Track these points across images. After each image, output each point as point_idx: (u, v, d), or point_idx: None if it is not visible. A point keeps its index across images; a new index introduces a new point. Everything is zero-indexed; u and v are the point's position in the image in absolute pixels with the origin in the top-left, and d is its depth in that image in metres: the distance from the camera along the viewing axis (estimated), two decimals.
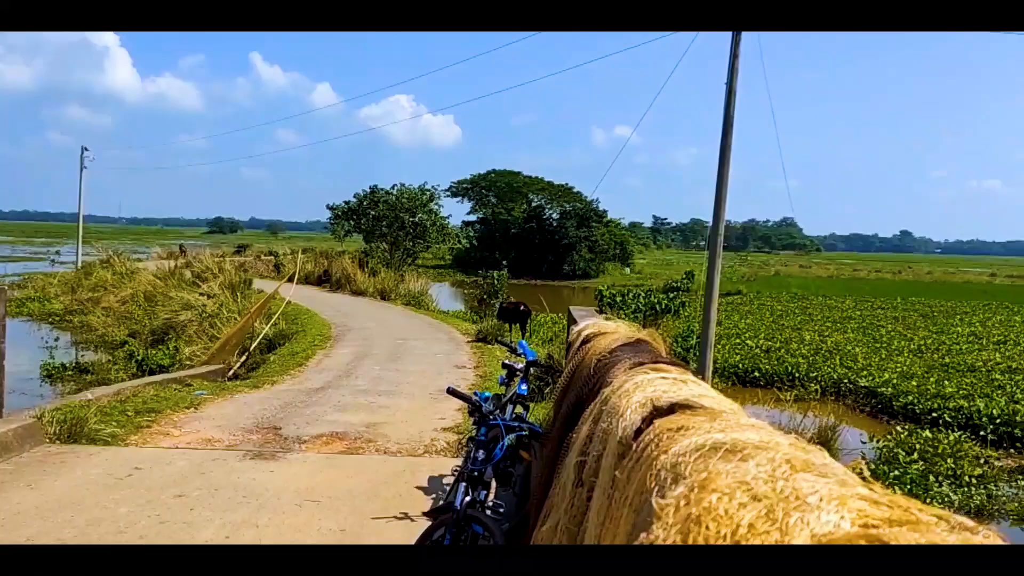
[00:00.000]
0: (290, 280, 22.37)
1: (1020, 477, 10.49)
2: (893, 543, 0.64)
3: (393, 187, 42.09)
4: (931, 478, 9.87)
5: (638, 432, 1.33)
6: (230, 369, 13.46)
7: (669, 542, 0.73)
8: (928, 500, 8.97)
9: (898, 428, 12.50)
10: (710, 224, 14.13)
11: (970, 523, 0.77)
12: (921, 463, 10.49)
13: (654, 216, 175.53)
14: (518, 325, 19.52)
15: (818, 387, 15.38)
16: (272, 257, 40.96)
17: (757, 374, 16.65)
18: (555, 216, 64.81)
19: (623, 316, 24.58)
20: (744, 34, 12.64)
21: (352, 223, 42.77)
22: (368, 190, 42.34)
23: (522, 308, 19.55)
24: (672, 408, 1.35)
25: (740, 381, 16.62)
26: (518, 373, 5.45)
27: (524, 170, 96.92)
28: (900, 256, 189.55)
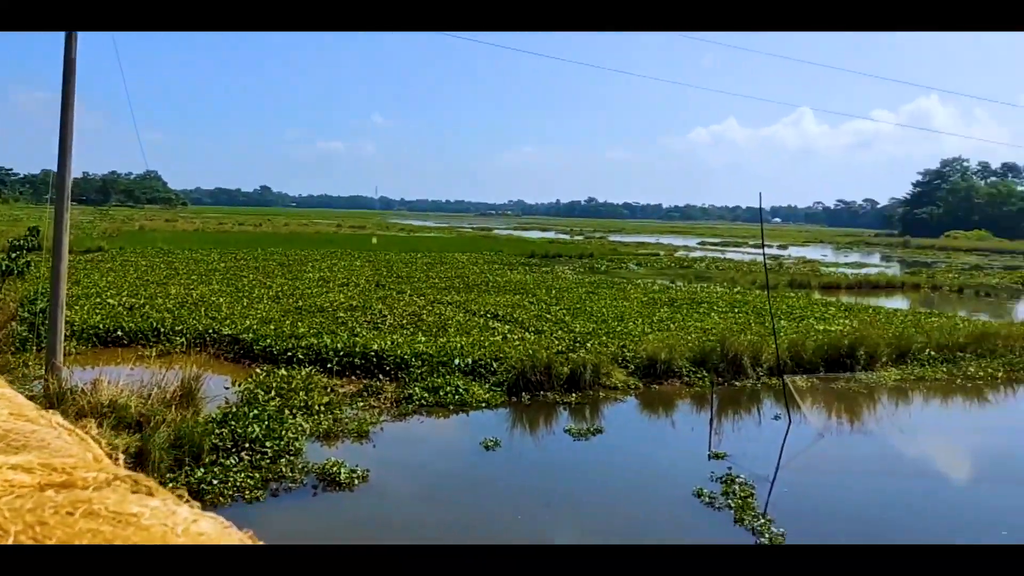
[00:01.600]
0: None
1: (359, 400, 12.09)
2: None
3: None
4: (287, 412, 10.69)
5: None
6: None
7: None
8: (284, 431, 9.71)
9: (258, 370, 13.21)
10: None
11: (128, 473, 0.70)
12: (278, 399, 11.27)
13: None
14: None
15: (184, 340, 15.22)
16: None
17: (120, 333, 15.66)
18: None
19: None
20: None
21: None
22: None
23: None
24: None
25: (102, 342, 15.44)
26: None
27: None
28: (261, 210, 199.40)
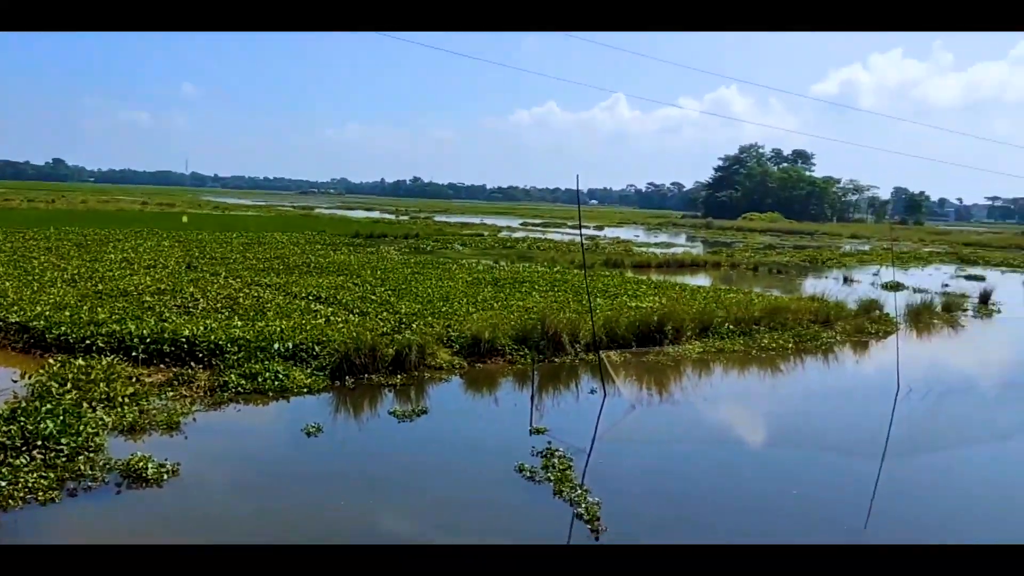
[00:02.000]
0: None
1: (168, 389, 11.37)
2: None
3: None
4: (85, 405, 9.86)
5: None
6: None
7: None
8: (82, 427, 8.98)
9: (51, 360, 12.07)
10: None
11: None
12: (76, 392, 10.37)
13: None
14: None
15: None
16: None
17: None
18: None
19: None
20: None
21: None
22: None
23: None
24: None
25: None
26: None
27: None
28: (54, 185, 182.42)
